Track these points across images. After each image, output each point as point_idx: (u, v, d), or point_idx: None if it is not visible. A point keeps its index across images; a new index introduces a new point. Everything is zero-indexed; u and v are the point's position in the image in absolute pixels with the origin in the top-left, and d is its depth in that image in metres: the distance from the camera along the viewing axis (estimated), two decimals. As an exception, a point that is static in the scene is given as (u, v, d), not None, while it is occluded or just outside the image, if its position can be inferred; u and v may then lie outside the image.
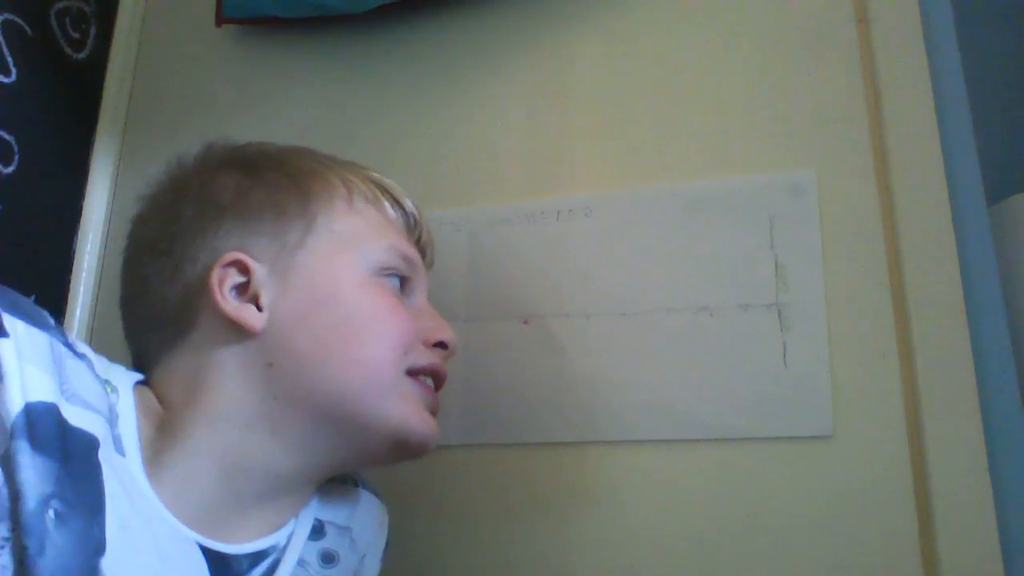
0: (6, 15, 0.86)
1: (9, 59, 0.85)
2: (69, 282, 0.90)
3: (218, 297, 0.52)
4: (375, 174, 0.61)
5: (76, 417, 0.44)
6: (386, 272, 0.58)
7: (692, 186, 0.73)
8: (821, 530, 0.64)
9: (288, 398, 0.53)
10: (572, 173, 0.78)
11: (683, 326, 0.70)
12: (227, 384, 0.52)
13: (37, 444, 0.41)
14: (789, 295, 0.68)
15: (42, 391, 0.42)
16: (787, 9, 0.75)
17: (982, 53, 0.81)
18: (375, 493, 0.66)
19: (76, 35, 0.96)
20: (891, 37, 0.71)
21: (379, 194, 0.60)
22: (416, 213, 0.62)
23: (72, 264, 0.91)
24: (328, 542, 0.60)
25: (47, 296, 0.88)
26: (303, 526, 0.58)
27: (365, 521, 0.64)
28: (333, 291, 0.55)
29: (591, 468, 0.70)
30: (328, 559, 0.59)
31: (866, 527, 0.63)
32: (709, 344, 0.69)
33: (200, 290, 0.53)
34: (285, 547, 0.56)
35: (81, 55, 0.97)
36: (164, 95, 0.95)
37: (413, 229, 0.62)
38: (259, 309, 0.53)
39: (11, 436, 0.40)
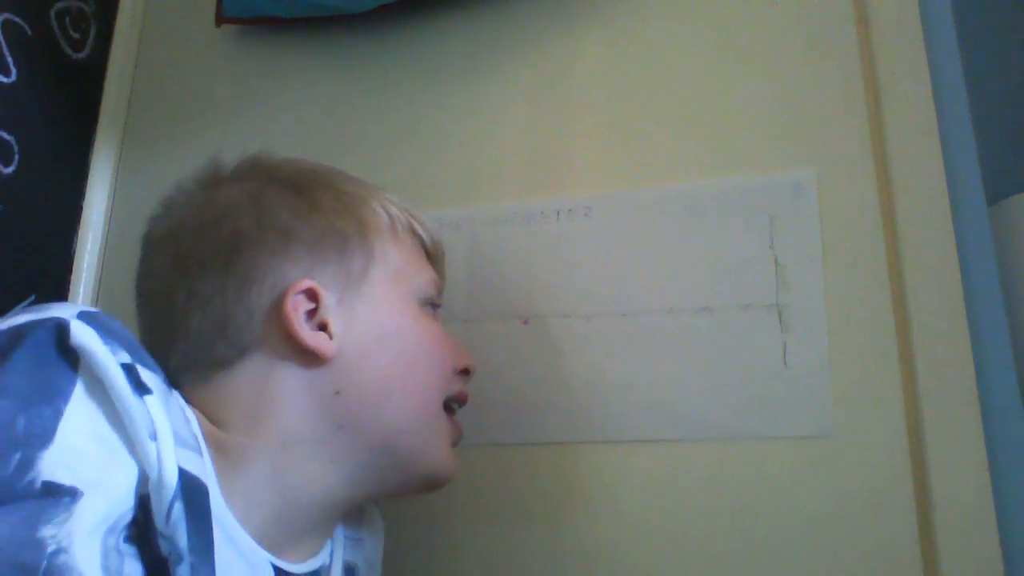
0: (6, 15, 0.86)
1: (9, 59, 0.85)
2: (69, 282, 0.90)
3: (296, 326, 0.52)
4: (398, 199, 0.62)
5: (186, 461, 0.44)
6: (427, 302, 0.60)
7: (692, 186, 0.73)
8: (821, 530, 0.64)
9: (351, 427, 0.53)
10: (572, 173, 0.78)
11: (683, 326, 0.70)
12: (294, 411, 0.52)
13: (188, 504, 0.43)
14: (789, 295, 0.68)
15: (184, 457, 0.44)
16: (787, 9, 0.75)
17: (982, 53, 0.81)
18: (373, 501, 0.67)
19: (76, 35, 0.96)
20: (891, 37, 0.71)
21: (413, 222, 0.61)
22: (439, 238, 0.64)
23: (72, 264, 0.91)
24: (348, 555, 0.61)
25: (47, 296, 0.88)
26: (338, 544, 0.59)
27: (371, 530, 0.65)
28: (397, 325, 0.57)
29: (591, 468, 0.70)
30: (349, 572, 0.60)
31: (866, 527, 0.63)
32: (709, 344, 0.69)
33: (269, 314, 0.53)
34: (330, 565, 0.58)
35: (81, 55, 0.97)
36: (164, 95, 0.95)
37: (437, 255, 0.64)
38: (329, 336, 0.53)
39: (173, 497, 0.42)
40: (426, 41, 0.86)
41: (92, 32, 0.99)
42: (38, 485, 0.38)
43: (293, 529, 0.53)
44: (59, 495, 0.38)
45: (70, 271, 0.91)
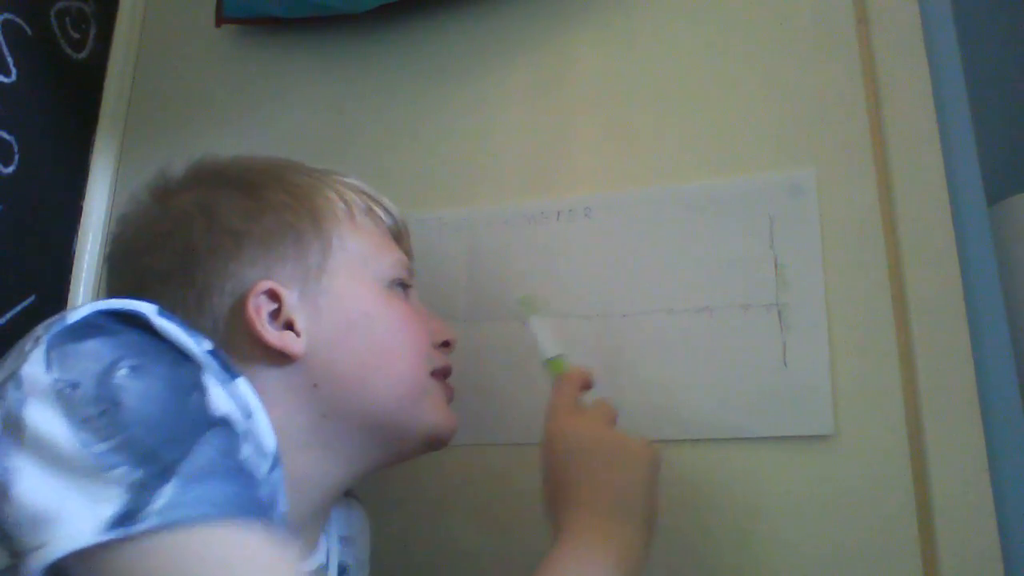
0: (6, 15, 0.86)
1: (9, 59, 0.85)
2: (69, 282, 0.90)
3: (260, 328, 0.52)
4: (355, 181, 0.62)
5: None
6: (395, 283, 0.59)
7: (692, 186, 0.73)
8: (821, 530, 0.64)
9: (337, 415, 0.54)
10: (572, 173, 0.78)
11: (683, 326, 0.70)
12: (278, 408, 0.52)
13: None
14: (789, 295, 0.68)
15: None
16: (787, 9, 0.75)
17: (982, 53, 0.81)
18: (357, 499, 0.67)
19: (76, 35, 0.96)
20: (891, 37, 0.71)
21: (372, 204, 0.61)
22: (402, 216, 0.64)
23: (72, 264, 0.91)
24: (341, 555, 0.61)
25: (47, 296, 0.88)
26: (334, 541, 0.60)
27: (359, 530, 0.65)
28: (363, 311, 0.56)
29: (591, 468, 0.70)
30: (343, 572, 0.60)
31: (866, 527, 0.63)
32: (709, 344, 0.69)
33: (233, 320, 0.53)
34: (327, 564, 0.58)
35: (81, 55, 0.97)
36: (164, 95, 0.95)
37: (402, 235, 0.64)
38: (296, 334, 0.54)
39: (273, 465, 0.46)
40: (426, 41, 0.86)
41: (92, 32, 0.99)
42: (217, 417, 0.43)
43: (297, 522, 0.53)
44: (232, 426, 0.43)
45: (70, 271, 0.91)
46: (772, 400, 0.67)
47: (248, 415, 0.45)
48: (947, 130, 0.68)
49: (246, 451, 0.44)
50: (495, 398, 0.74)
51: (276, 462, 0.47)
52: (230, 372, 0.45)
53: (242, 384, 0.46)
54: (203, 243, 0.54)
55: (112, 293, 0.57)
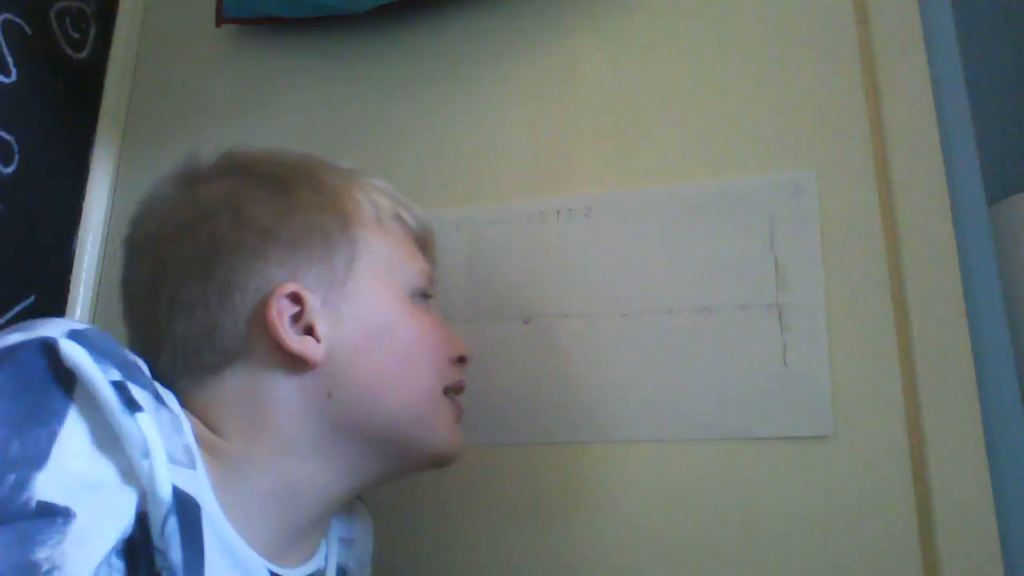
0: (6, 15, 0.86)
1: (9, 59, 0.85)
2: (69, 282, 0.90)
3: (281, 332, 0.51)
4: (383, 184, 0.61)
5: (178, 478, 0.43)
6: (418, 293, 0.58)
7: (692, 186, 0.73)
8: (821, 530, 0.64)
9: (345, 426, 0.53)
10: (572, 173, 0.78)
11: (683, 326, 0.70)
12: (288, 415, 0.52)
13: (181, 519, 0.43)
14: (789, 295, 0.68)
15: (177, 473, 0.43)
16: (787, 9, 0.75)
17: (982, 53, 0.81)
18: (361, 500, 0.67)
19: (76, 35, 0.96)
20: (891, 37, 0.71)
21: (400, 209, 0.60)
22: (428, 224, 0.63)
23: (72, 264, 0.91)
24: (341, 558, 0.60)
25: (47, 296, 0.88)
26: (333, 546, 0.59)
27: (362, 531, 0.65)
28: (387, 321, 0.55)
29: (591, 468, 0.70)
30: (342, 573, 0.60)
31: (866, 527, 0.63)
32: (709, 344, 0.69)
33: (255, 320, 0.52)
34: (324, 569, 0.57)
35: (81, 55, 0.97)
36: (164, 95, 0.95)
37: (427, 242, 0.63)
38: (316, 340, 0.52)
39: (167, 512, 0.42)
40: (426, 41, 0.86)
41: (92, 32, 0.99)
42: (32, 506, 0.37)
43: (293, 532, 0.53)
44: (53, 516, 0.38)
45: (70, 271, 0.91)
46: (772, 400, 0.67)
47: (145, 455, 0.41)
48: (947, 130, 0.68)
49: (68, 544, 0.38)
50: (494, 398, 0.74)
51: (172, 508, 0.42)
52: (131, 407, 0.42)
53: (143, 420, 0.42)
54: (228, 238, 0.53)
55: (130, 279, 0.56)
